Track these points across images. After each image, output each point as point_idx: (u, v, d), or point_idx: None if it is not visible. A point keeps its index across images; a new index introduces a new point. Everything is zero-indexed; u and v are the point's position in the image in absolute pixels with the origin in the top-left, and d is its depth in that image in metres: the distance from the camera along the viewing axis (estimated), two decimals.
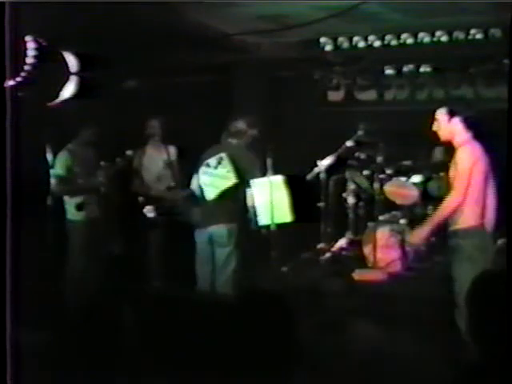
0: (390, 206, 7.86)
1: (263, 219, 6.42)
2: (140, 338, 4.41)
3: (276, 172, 6.55)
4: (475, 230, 4.87)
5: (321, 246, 7.90)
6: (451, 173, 5.05)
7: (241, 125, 6.25)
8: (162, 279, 6.63)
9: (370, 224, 7.62)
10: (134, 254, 6.89)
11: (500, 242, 5.34)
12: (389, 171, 7.90)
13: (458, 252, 4.94)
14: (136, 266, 6.68)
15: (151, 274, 6.87)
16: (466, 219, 4.89)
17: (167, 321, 4.53)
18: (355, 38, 8.37)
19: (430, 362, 4.65)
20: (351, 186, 7.99)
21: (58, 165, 6.65)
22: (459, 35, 7.96)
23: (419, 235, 5.32)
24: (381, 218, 7.72)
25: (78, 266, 6.54)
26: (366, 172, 7.95)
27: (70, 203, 6.72)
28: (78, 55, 4.97)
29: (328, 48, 8.56)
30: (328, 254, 7.73)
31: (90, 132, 6.82)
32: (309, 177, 7.60)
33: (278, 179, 6.53)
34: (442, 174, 7.71)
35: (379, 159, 7.77)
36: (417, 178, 7.87)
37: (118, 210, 6.97)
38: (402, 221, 7.61)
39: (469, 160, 4.89)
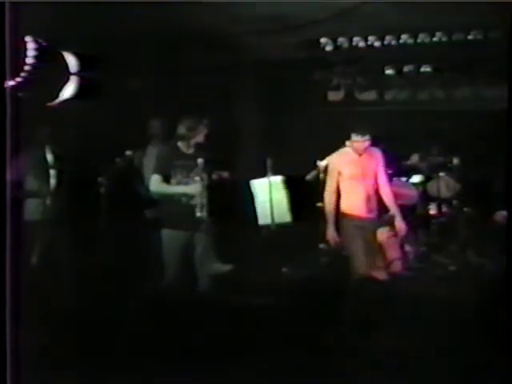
0: None
1: (263, 219, 6.43)
2: (139, 338, 4.41)
3: (276, 172, 6.55)
4: None
5: (321, 245, 7.89)
6: None
7: (182, 129, 6.16)
8: (162, 280, 6.62)
9: None
10: (134, 254, 6.88)
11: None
12: (389, 171, 7.88)
13: None
14: (135, 266, 6.67)
15: (151, 274, 6.86)
16: None
17: (166, 321, 4.53)
18: (355, 38, 8.37)
19: (430, 361, 4.65)
20: None
21: None
22: (459, 35, 7.95)
23: None
24: (381, 217, 7.70)
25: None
26: None
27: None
28: (77, 55, 4.98)
29: (328, 48, 8.56)
30: (328, 254, 7.72)
31: (43, 134, 6.75)
32: (308, 177, 7.60)
33: (278, 179, 6.54)
34: (441, 173, 7.72)
35: None
36: (417, 178, 7.86)
37: (117, 210, 6.96)
38: None
39: None
